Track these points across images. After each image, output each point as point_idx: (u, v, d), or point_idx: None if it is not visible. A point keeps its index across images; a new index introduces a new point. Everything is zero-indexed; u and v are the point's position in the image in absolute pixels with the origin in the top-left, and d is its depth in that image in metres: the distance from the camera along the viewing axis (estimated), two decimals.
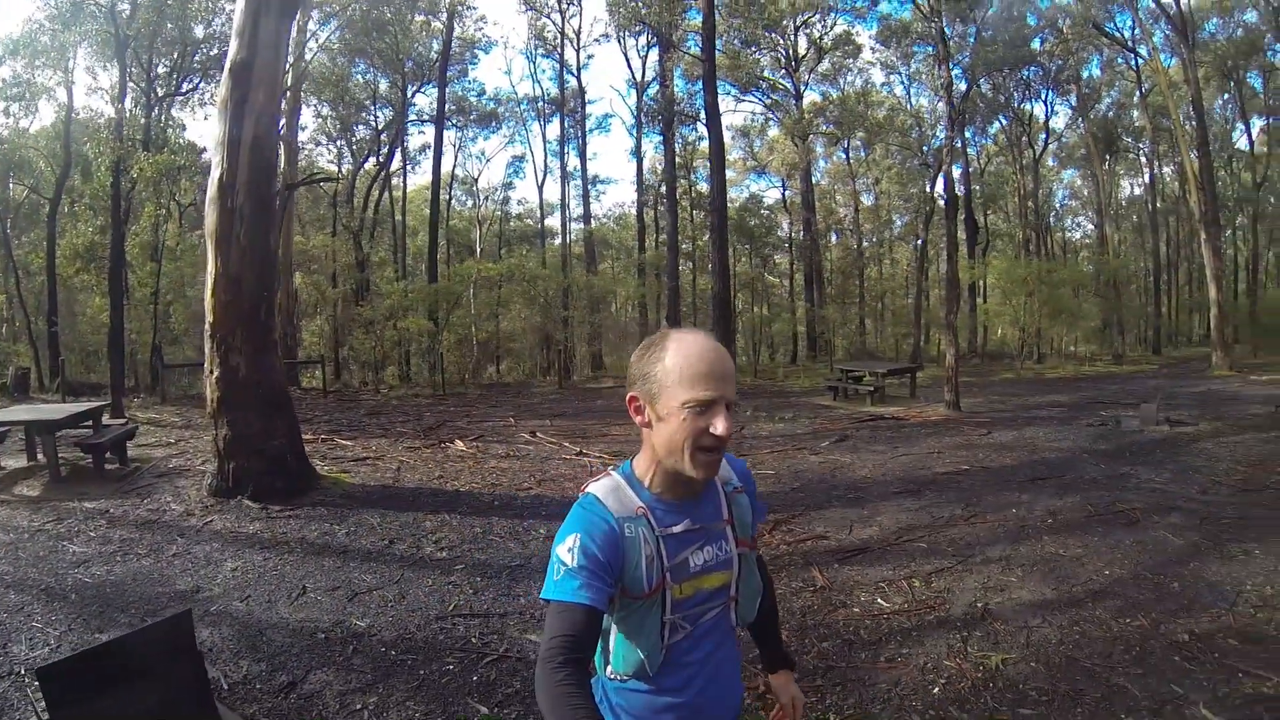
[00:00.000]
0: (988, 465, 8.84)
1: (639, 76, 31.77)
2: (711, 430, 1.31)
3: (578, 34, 31.68)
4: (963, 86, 25.73)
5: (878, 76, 47.65)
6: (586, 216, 34.88)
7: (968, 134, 29.35)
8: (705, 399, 1.31)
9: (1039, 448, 9.88)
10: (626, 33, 30.17)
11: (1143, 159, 37.53)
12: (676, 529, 1.41)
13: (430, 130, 29.96)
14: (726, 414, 1.32)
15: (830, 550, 5.72)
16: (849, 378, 16.29)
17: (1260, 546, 5.51)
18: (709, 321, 22.22)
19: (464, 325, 22.80)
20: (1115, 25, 28.16)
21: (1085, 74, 31.52)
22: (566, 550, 1.33)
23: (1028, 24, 28.79)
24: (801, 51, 31.45)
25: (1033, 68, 30.47)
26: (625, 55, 42.76)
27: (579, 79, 32.48)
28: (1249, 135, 32.77)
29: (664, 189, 31.03)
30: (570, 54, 31.73)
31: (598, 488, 1.45)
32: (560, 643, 1.25)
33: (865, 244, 38.21)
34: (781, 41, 30.78)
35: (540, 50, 32.05)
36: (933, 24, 22.02)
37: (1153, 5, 25.32)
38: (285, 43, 8.24)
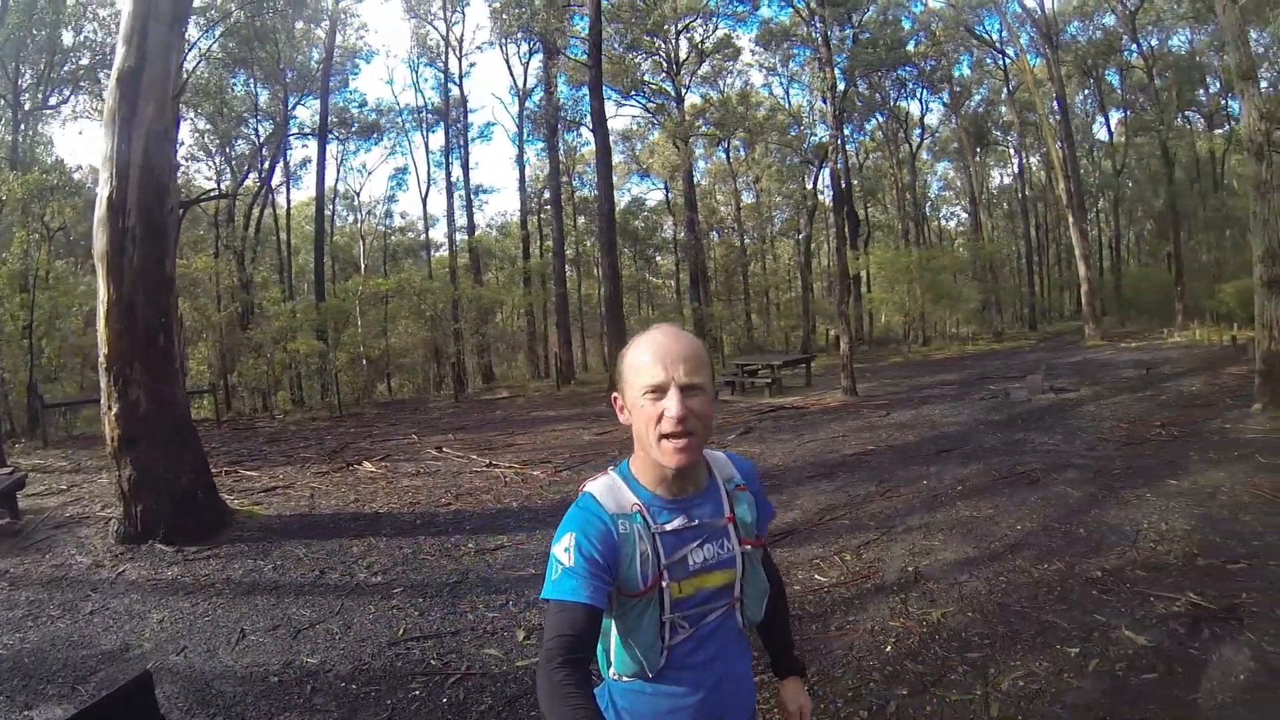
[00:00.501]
0: (892, 444, 9.39)
1: (521, 84, 32.06)
2: (667, 415, 1.33)
3: (460, 41, 31.57)
4: (841, 86, 27.44)
5: (757, 78, 50.27)
6: (471, 227, 34.56)
7: (846, 131, 31.09)
8: (654, 384, 1.34)
9: (938, 423, 10.61)
10: (509, 40, 30.25)
11: (1011, 150, 41.01)
12: (673, 525, 1.41)
13: (313, 144, 29.42)
14: (679, 396, 1.32)
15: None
16: (745, 372, 16.77)
17: (1149, 490, 6.26)
18: (600, 326, 22.40)
19: (355, 344, 22.11)
20: (984, 28, 31.11)
21: (957, 73, 34.40)
22: (563, 550, 1.35)
23: (903, 27, 31.44)
24: (683, 55, 32.43)
25: (908, 68, 32.74)
26: (507, 62, 42.44)
27: (461, 87, 32.26)
28: (1108, 127, 36.70)
29: (548, 195, 31.39)
30: (453, 62, 31.72)
31: (595, 486, 1.47)
32: (560, 643, 1.26)
33: (747, 241, 39.70)
34: (663, 46, 31.63)
35: (423, 59, 32.12)
36: (813, 27, 23.65)
37: (1019, 10, 28.21)
38: (177, 51, 7.72)
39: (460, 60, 31.73)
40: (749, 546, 1.48)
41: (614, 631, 1.43)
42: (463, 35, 33.04)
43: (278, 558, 6.01)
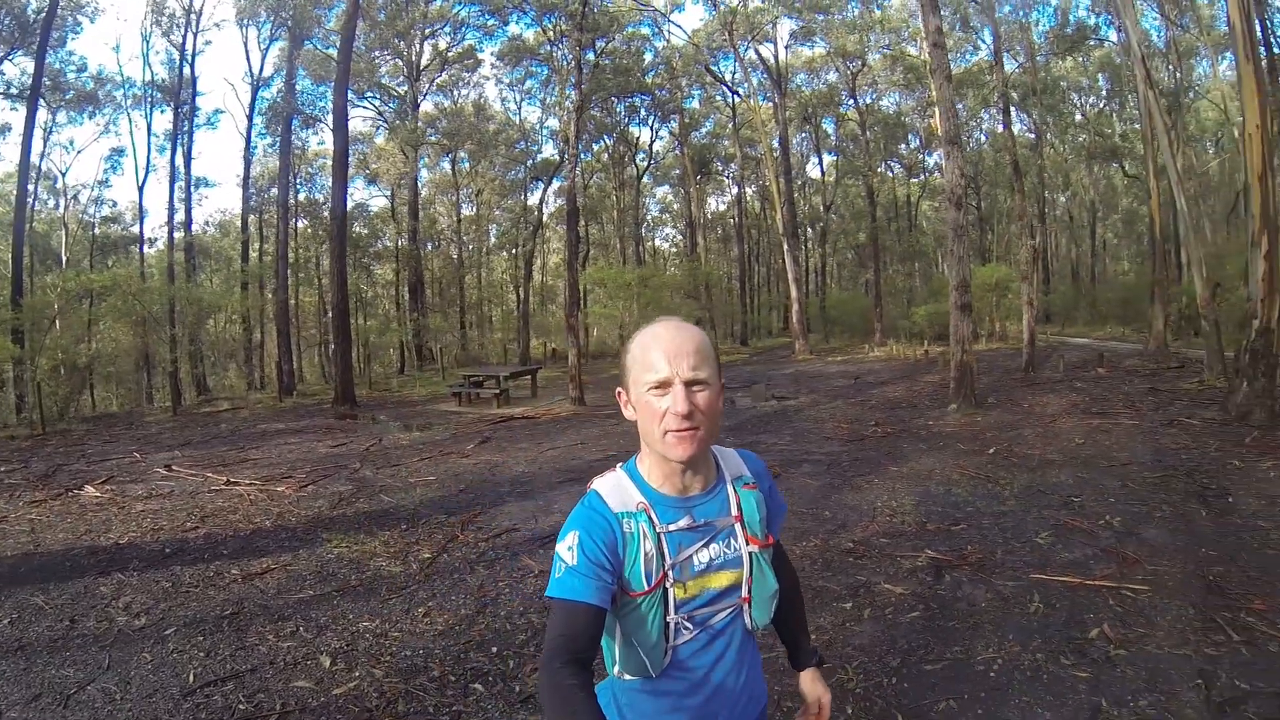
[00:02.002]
0: (633, 449, 10.02)
1: (258, 71, 29.47)
2: (672, 410, 1.35)
3: (198, 14, 28.15)
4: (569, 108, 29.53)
5: (491, 91, 51.24)
6: (189, 222, 30.74)
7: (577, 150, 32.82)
8: (658, 379, 1.37)
9: None
10: (251, 21, 27.82)
11: (728, 180, 47.10)
12: (678, 525, 1.44)
13: (21, 109, 24.36)
14: (684, 391, 1.35)
15: (527, 540, 6.12)
16: (472, 383, 16.99)
17: (876, 477, 7.74)
18: (329, 334, 21.56)
19: (58, 349, 18.59)
20: (719, 68, 35.32)
21: (687, 105, 38.42)
22: (567, 548, 1.38)
23: (645, 58, 34.43)
24: (425, 61, 32.49)
25: (644, 96, 35.89)
26: (245, 46, 39.57)
27: (193, 66, 29.03)
28: (820, 167, 43.94)
29: (274, 194, 29.55)
30: (189, 36, 28.21)
31: (601, 483, 1.50)
32: (562, 642, 1.29)
33: (465, 253, 40.27)
34: (405, 49, 31.43)
35: (158, 27, 28.68)
36: (558, 48, 25.10)
37: (754, 56, 32.69)
38: None
39: (195, 35, 28.40)
40: (756, 547, 1.50)
41: (618, 630, 1.45)
42: (202, 7, 30.00)
43: (12, 610, 5.08)
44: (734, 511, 1.50)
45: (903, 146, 40.66)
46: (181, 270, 28.11)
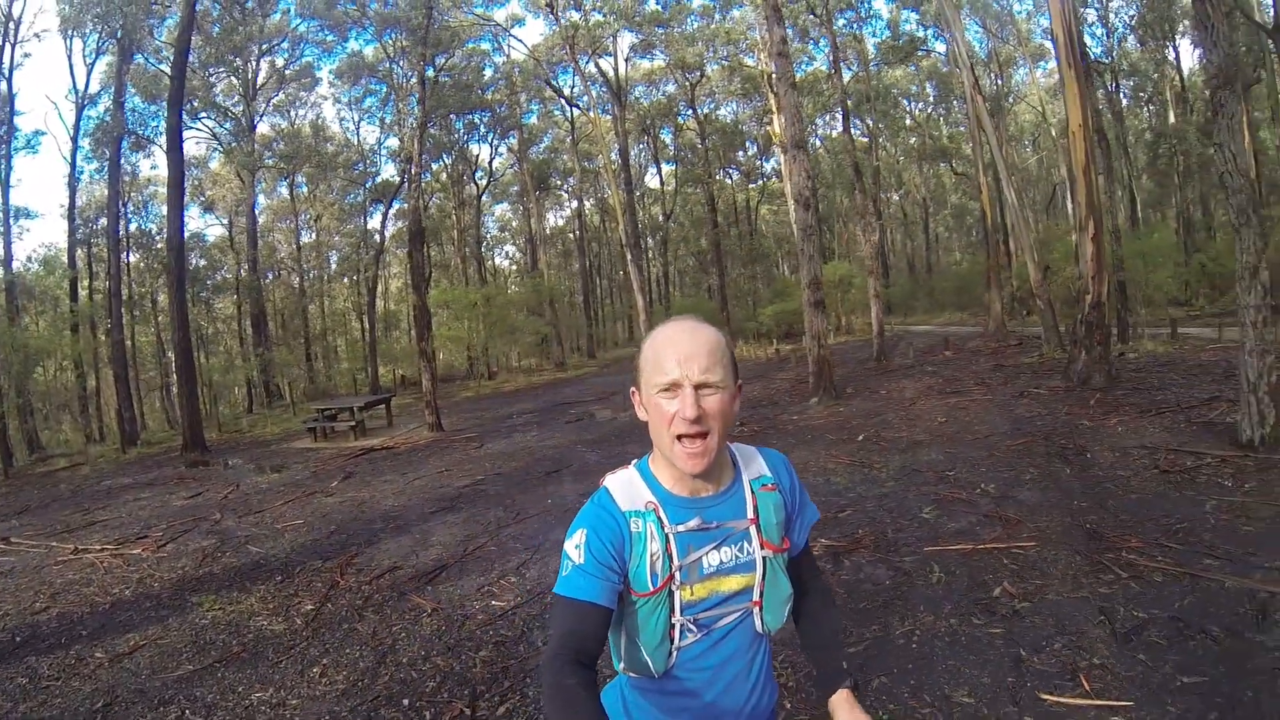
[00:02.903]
0: (500, 471, 9.95)
1: (83, 88, 26.42)
2: (680, 414, 1.35)
3: (17, 22, 24.76)
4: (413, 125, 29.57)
5: (329, 111, 49.45)
6: (9, 258, 27.01)
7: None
8: (667, 382, 1.37)
9: (536, 449, 11.54)
10: (75, 32, 25.00)
11: (565, 195, 47.79)
12: (689, 526, 1.43)
13: None
14: (693, 394, 1.35)
15: (413, 577, 5.78)
16: (326, 416, 16.35)
17: None
18: (172, 376, 20.03)
19: None
20: (559, 83, 36.13)
21: (526, 120, 38.74)
22: (574, 546, 1.39)
23: (484, 74, 34.60)
24: (262, 79, 31.23)
25: (484, 112, 36.09)
26: (70, 59, 36.44)
27: (10, 82, 25.34)
28: (660, 176, 45.15)
29: (104, 224, 26.97)
30: (6, 48, 24.70)
31: (612, 480, 1.51)
32: (566, 640, 1.31)
33: (307, 281, 39.02)
34: (241, 67, 29.97)
35: None
36: (396, 64, 24.68)
37: (595, 70, 33.55)
38: None
39: (14, 47, 24.96)
40: (771, 551, 1.49)
41: (623, 630, 1.47)
42: (20, 14, 26.52)
43: None
44: (749, 514, 1.49)
45: (740, 153, 42.74)
46: (2, 313, 25.10)
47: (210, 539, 7.76)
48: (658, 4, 32.24)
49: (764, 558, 1.48)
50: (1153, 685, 3.08)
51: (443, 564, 6.02)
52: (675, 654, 1.44)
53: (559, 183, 45.14)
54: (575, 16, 31.32)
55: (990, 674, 3.33)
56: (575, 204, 45.05)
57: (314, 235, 39.67)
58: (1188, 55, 33.14)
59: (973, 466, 7.08)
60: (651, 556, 1.40)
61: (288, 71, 32.21)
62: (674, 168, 43.49)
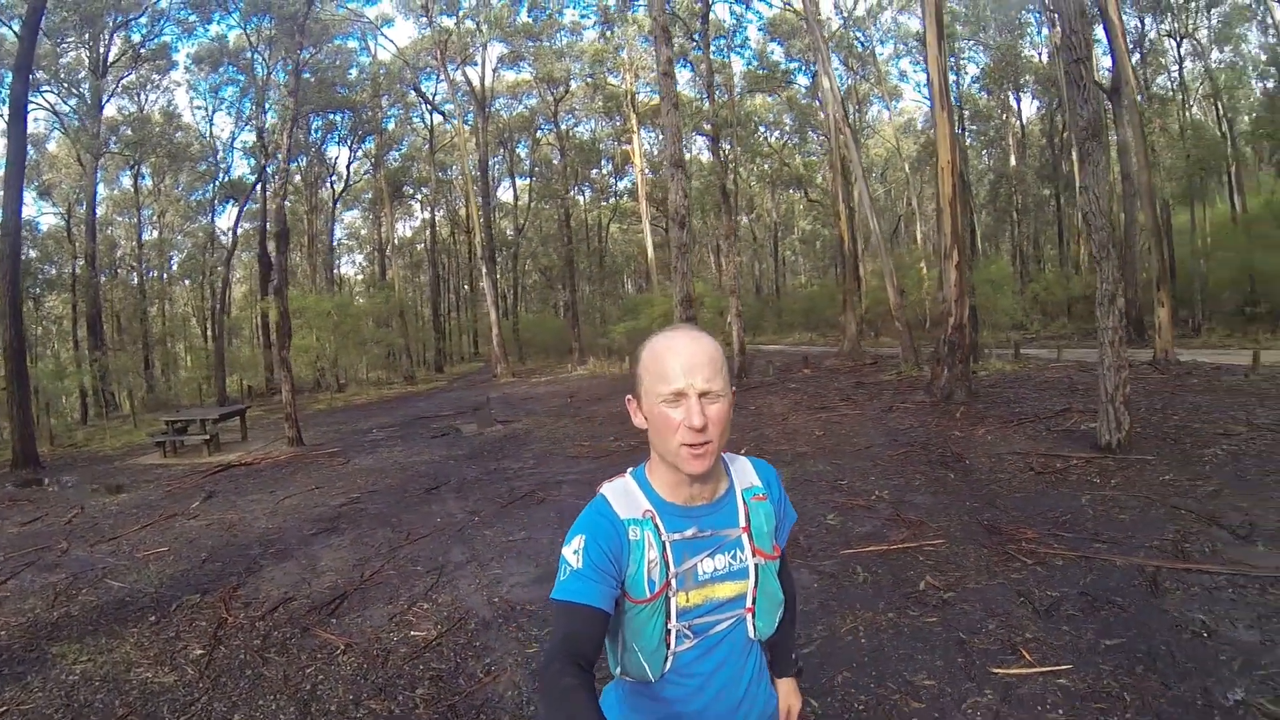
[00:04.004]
0: (376, 489, 9.54)
1: None
2: (686, 424, 1.41)
3: None
4: (272, 120, 29.00)
5: (182, 99, 46.25)
6: None
7: (269, 170, 30.89)
8: (671, 392, 1.42)
9: (407, 465, 11.21)
10: None
11: (416, 205, 47.60)
12: (684, 534, 1.49)
13: None
14: (698, 404, 1.41)
15: (311, 609, 5.31)
16: (176, 429, 15.11)
17: None
18: None
19: None
20: (422, 88, 35.54)
21: (386, 124, 38.16)
22: (573, 552, 1.43)
23: (350, 73, 33.86)
24: (114, 55, 28.77)
25: (345, 113, 35.12)
26: None
27: None
28: (514, 190, 45.40)
29: None
30: None
31: (609, 488, 1.55)
32: (564, 644, 1.34)
33: (147, 281, 36.32)
34: (93, 38, 27.54)
35: None
36: (258, 54, 23.36)
37: (461, 78, 33.24)
38: None
39: None
40: (762, 559, 1.56)
41: (620, 635, 1.50)
42: None
43: None
44: (742, 523, 1.56)
45: (595, 171, 43.65)
46: None
47: (60, 573, 6.76)
48: (529, 16, 32.62)
49: (756, 565, 1.55)
50: (1083, 649, 3.60)
51: (341, 593, 5.63)
52: (671, 659, 1.49)
53: (412, 192, 44.68)
54: (448, 22, 31.22)
55: (941, 657, 3.68)
56: (427, 214, 44.59)
57: (157, 232, 37.01)
58: (1028, 106, 37.38)
59: (862, 476, 7.59)
60: (649, 564, 1.45)
61: (144, 50, 29.93)
62: (529, 182, 43.92)
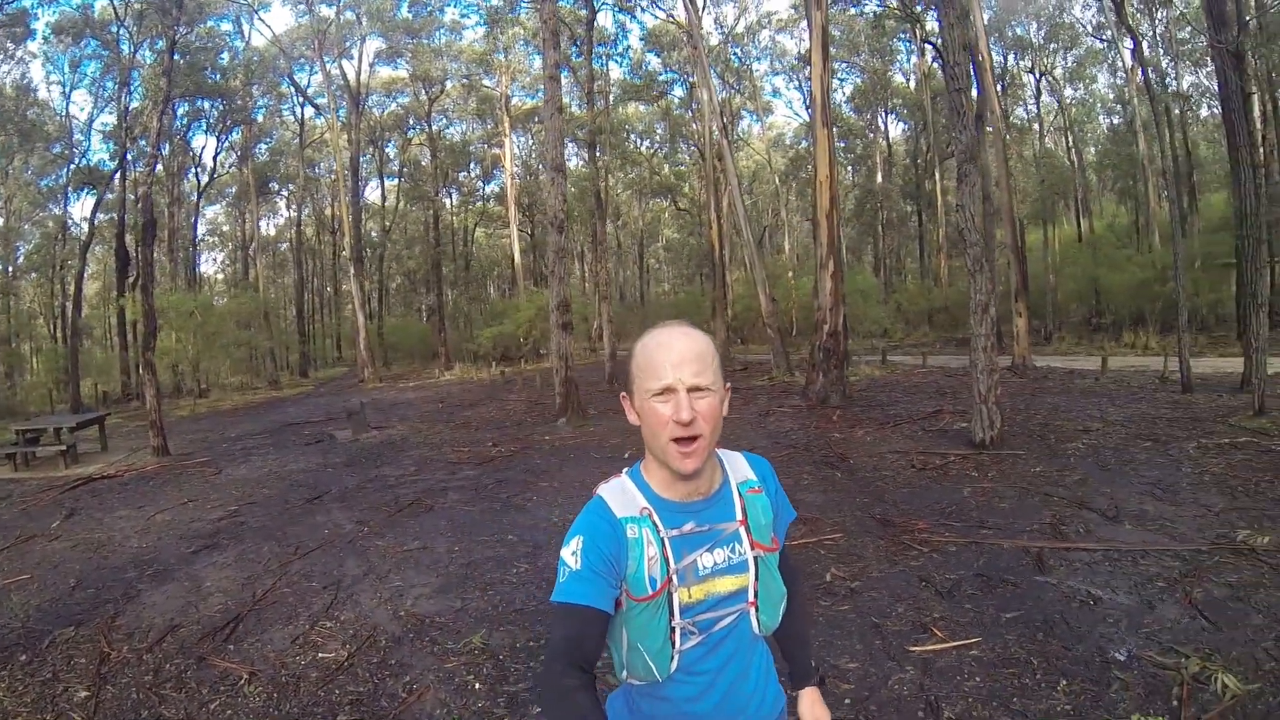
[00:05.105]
0: (254, 500, 9.05)
1: None
2: (673, 418, 1.40)
3: None
4: (135, 104, 27.15)
5: (36, 73, 42.12)
6: None
7: (129, 158, 28.85)
8: (661, 386, 1.42)
9: (284, 474, 10.69)
10: None
11: (282, 202, 45.84)
12: (682, 529, 1.49)
13: None
14: (687, 398, 1.41)
15: (204, 636, 4.89)
16: (27, 439, 13.82)
17: (532, 494, 8.13)
18: None
19: None
20: (296, 79, 34.44)
21: (256, 116, 35.99)
22: (571, 553, 1.43)
23: (222, 59, 31.84)
24: None
25: (217, 101, 33.15)
26: None
27: None
28: (382, 190, 44.13)
29: None
30: None
31: (605, 489, 1.54)
32: (564, 646, 1.36)
33: None
34: None
35: None
36: (123, 28, 21.65)
37: (337, 72, 32.27)
38: None
39: None
40: (761, 551, 1.56)
41: (623, 635, 1.49)
42: None
43: None
44: (739, 516, 1.56)
45: (463, 174, 43.26)
46: None
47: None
48: (410, 12, 32.03)
49: (755, 558, 1.55)
50: (987, 623, 3.95)
51: (235, 615, 5.22)
52: (677, 658, 1.48)
53: (278, 188, 42.91)
54: (328, 11, 30.15)
55: (860, 641, 3.90)
56: (294, 212, 42.69)
57: (2, 219, 33.80)
58: (895, 127, 39.89)
59: None
60: (649, 561, 1.45)
61: (3, 13, 26.87)
62: (397, 183, 43.03)
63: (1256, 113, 18.34)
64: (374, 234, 43.44)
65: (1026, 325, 15.65)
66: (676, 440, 1.40)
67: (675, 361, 1.41)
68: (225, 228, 48.42)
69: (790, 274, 31.53)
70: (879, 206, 37.28)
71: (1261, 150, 17.15)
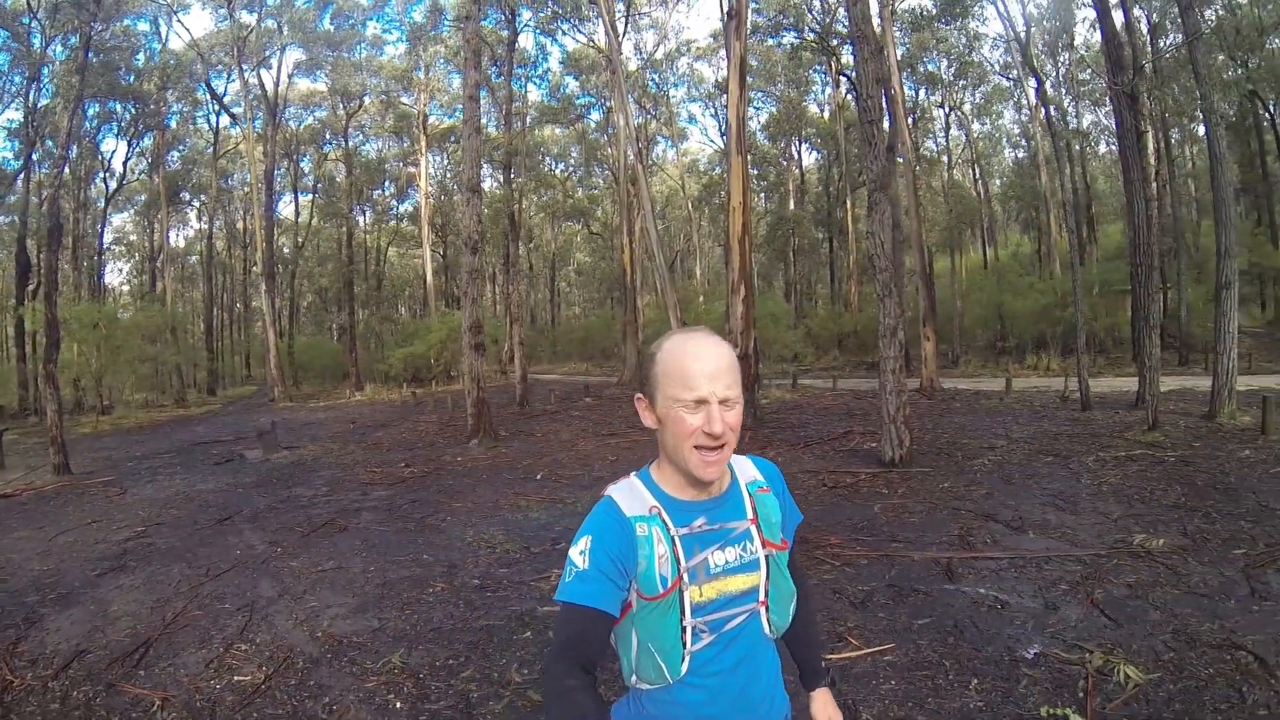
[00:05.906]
0: (162, 521, 8.70)
1: None
2: (705, 429, 1.41)
3: None
4: (44, 102, 25.83)
5: None
6: None
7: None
8: (694, 399, 1.41)
9: (193, 495, 10.36)
10: None
11: (192, 213, 44.55)
12: (692, 526, 1.48)
13: None
14: (719, 411, 1.41)
15: (113, 661, 4.66)
16: None
17: (445, 515, 8.06)
18: None
19: None
20: (213, 86, 33.49)
21: (169, 122, 34.86)
22: (579, 553, 1.42)
23: (136, 60, 30.60)
24: None
25: (129, 103, 31.87)
26: None
27: None
28: (295, 205, 42.96)
29: None
30: None
31: (615, 489, 1.53)
32: (568, 645, 1.37)
33: None
34: None
35: None
36: (35, 21, 20.53)
37: (255, 81, 31.58)
38: None
39: None
40: (773, 550, 1.55)
41: (634, 637, 1.47)
42: None
43: None
44: (749, 515, 1.56)
45: (377, 191, 42.70)
46: None
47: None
48: (332, 24, 31.49)
49: (767, 556, 1.54)
50: (899, 630, 4.14)
51: (144, 639, 4.99)
52: (688, 659, 1.46)
53: (190, 198, 41.42)
54: (249, 18, 29.33)
55: (779, 653, 3.96)
56: (205, 224, 41.48)
57: None
58: (808, 156, 41.05)
59: None
60: (659, 559, 1.44)
61: None
62: (311, 198, 42.12)
63: (1150, 150, 19.84)
64: (286, 250, 42.29)
65: (934, 349, 16.32)
66: (700, 449, 1.41)
67: (711, 374, 1.40)
68: (133, 237, 46.56)
69: (701, 298, 31.85)
70: (791, 233, 38.18)
71: (1155, 184, 18.52)
